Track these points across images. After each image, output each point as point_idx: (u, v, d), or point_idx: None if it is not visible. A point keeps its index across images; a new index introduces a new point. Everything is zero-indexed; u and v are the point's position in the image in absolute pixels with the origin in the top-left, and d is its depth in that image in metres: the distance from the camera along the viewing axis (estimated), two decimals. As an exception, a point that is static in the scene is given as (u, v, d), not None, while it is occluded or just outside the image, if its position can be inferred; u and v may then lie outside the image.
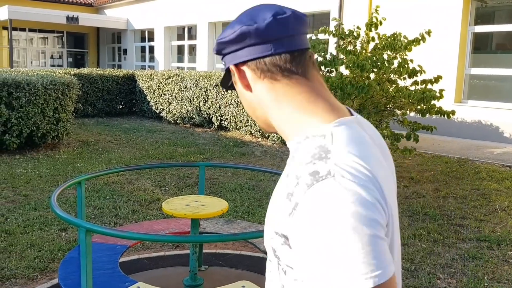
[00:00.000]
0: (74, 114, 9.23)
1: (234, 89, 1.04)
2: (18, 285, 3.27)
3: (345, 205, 0.75)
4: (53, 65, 22.36)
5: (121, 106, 13.41)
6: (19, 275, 3.40)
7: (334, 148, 0.82)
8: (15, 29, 19.62)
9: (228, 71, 0.99)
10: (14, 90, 7.33)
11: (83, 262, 2.00)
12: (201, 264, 3.49)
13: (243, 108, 9.76)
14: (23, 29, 21.29)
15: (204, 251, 3.85)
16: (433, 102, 5.96)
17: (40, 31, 21.93)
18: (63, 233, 4.22)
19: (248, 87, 0.94)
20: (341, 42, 6.26)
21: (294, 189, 0.80)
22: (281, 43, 0.90)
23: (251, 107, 0.98)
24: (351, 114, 0.93)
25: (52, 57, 22.75)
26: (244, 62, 0.92)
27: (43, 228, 4.32)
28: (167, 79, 11.97)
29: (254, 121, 9.42)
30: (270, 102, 0.93)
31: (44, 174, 6.33)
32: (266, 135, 9.35)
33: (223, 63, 0.97)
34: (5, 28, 19.49)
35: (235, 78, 0.96)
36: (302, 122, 0.90)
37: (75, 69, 13.13)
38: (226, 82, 1.05)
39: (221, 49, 0.96)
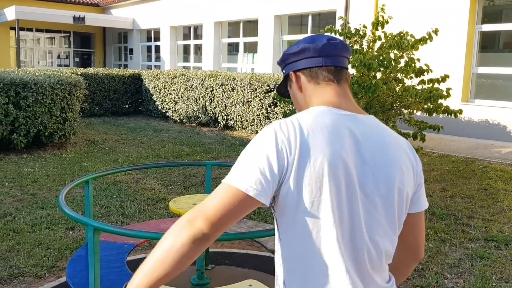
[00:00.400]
0: (80, 113, 9.28)
1: (286, 96, 1.42)
2: (26, 283, 3.29)
3: (261, 134, 1.17)
4: (60, 65, 22.46)
5: (127, 106, 13.45)
6: (27, 273, 3.42)
7: (296, 115, 1.20)
8: (22, 29, 19.72)
9: (285, 79, 1.35)
10: (21, 90, 7.38)
11: (91, 260, 2.01)
12: (208, 263, 3.49)
13: (249, 107, 9.77)
14: (30, 29, 21.40)
15: (210, 250, 3.86)
16: (440, 101, 5.93)
17: (47, 31, 22.04)
18: (71, 232, 4.24)
19: (300, 88, 1.30)
20: (347, 41, 6.24)
21: None
22: (330, 59, 1.26)
23: (299, 104, 1.32)
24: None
25: (59, 57, 22.86)
26: (301, 70, 1.29)
27: (51, 227, 4.34)
28: (173, 78, 11.99)
29: (260, 120, 9.44)
30: (311, 98, 1.28)
31: (51, 173, 6.36)
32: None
33: (283, 72, 1.35)
34: (13, 28, 19.59)
35: (292, 82, 1.32)
36: None
37: (82, 68, 13.19)
38: (281, 89, 1.42)
39: (285, 59, 1.32)
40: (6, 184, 5.76)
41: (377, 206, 1.17)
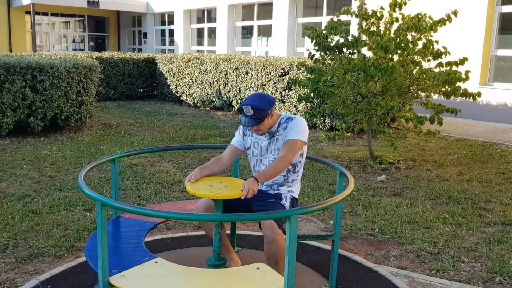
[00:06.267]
0: (96, 97, 9.33)
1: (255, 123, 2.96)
2: (46, 263, 3.35)
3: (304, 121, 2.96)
4: (75, 49, 22.57)
5: (142, 90, 13.50)
6: (46, 253, 3.49)
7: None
8: (37, 13, 19.80)
9: (265, 115, 2.90)
10: (38, 74, 7.43)
11: (99, 234, 2.12)
12: (234, 246, 3.52)
13: (263, 91, 9.73)
14: (45, 14, 21.49)
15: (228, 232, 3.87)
16: (458, 84, 5.83)
17: (62, 15, 22.11)
18: (88, 213, 4.30)
19: (272, 118, 2.99)
20: (364, 23, 6.14)
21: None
22: None
23: (270, 124, 2.98)
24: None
25: (73, 41, 22.96)
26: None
27: (69, 208, 4.40)
28: (187, 62, 11.98)
29: (274, 104, 9.39)
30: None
31: (68, 156, 6.44)
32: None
33: (268, 112, 2.91)
34: (28, 12, 19.69)
35: (270, 115, 2.94)
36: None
37: (97, 52, 13.24)
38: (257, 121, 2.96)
39: (272, 105, 2.94)
40: (25, 166, 5.85)
41: None
